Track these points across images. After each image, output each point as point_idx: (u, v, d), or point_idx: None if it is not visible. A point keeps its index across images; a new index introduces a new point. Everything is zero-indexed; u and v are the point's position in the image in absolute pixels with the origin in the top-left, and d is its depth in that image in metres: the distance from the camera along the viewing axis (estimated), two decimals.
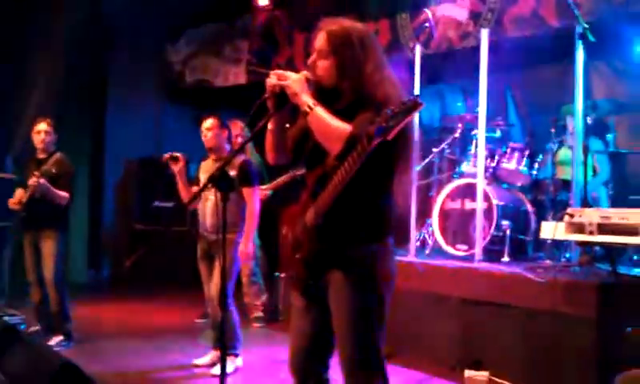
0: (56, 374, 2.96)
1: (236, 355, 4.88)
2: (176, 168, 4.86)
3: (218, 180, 2.52)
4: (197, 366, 4.94)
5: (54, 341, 5.37)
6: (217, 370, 4.53)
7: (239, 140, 5.87)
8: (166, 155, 4.89)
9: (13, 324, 4.09)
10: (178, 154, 4.89)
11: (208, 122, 4.92)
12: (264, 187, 6.23)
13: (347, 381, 2.50)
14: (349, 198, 2.39)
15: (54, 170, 5.33)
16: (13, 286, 7.05)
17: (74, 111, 8.59)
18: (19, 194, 5.44)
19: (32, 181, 5.20)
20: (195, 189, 4.91)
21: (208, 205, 4.79)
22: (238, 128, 5.96)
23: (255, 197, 4.89)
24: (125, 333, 6.12)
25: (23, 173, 5.58)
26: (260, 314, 6.53)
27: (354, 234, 2.47)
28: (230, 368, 4.64)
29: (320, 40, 2.52)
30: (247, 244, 4.78)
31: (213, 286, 4.78)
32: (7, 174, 7.25)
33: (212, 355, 4.97)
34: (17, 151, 6.93)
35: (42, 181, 5.19)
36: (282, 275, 6.52)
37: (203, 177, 4.92)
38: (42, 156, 5.51)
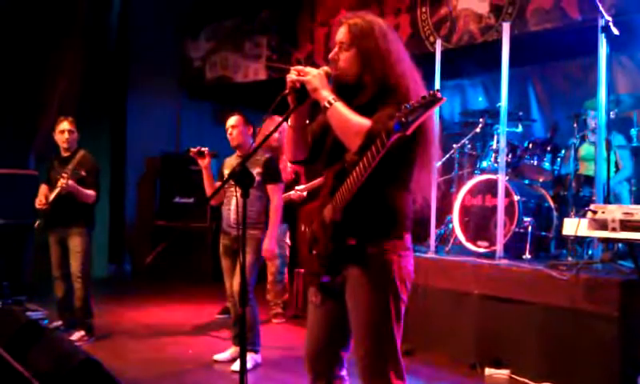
0: (77, 369, 2.98)
1: (256, 351, 4.89)
2: (202, 163, 4.89)
3: (239, 175, 2.51)
4: (217, 362, 4.96)
5: (76, 336, 5.43)
6: (237, 365, 4.56)
7: (276, 135, 5.85)
8: (193, 149, 4.91)
9: (35, 319, 4.13)
10: (205, 149, 4.91)
11: (233, 120, 4.93)
12: (300, 188, 6.22)
13: (363, 378, 2.49)
14: (367, 193, 2.38)
15: (82, 172, 5.38)
16: (35, 283, 7.15)
17: (95, 109, 8.66)
18: (44, 191, 5.50)
19: (61, 183, 5.25)
20: (218, 183, 4.93)
21: (232, 201, 4.81)
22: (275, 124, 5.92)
23: (280, 194, 4.92)
24: (145, 328, 6.16)
25: (48, 171, 5.65)
26: (280, 310, 6.57)
27: (372, 230, 2.46)
28: (249, 364, 4.65)
29: (341, 33, 2.52)
30: (270, 241, 4.81)
31: (235, 282, 4.80)
32: (31, 171, 7.34)
33: (232, 351, 4.99)
34: (39, 149, 7.00)
35: (70, 182, 5.25)
36: (300, 271, 6.55)
37: (227, 172, 4.93)
38: (65, 154, 5.58)
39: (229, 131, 4.93)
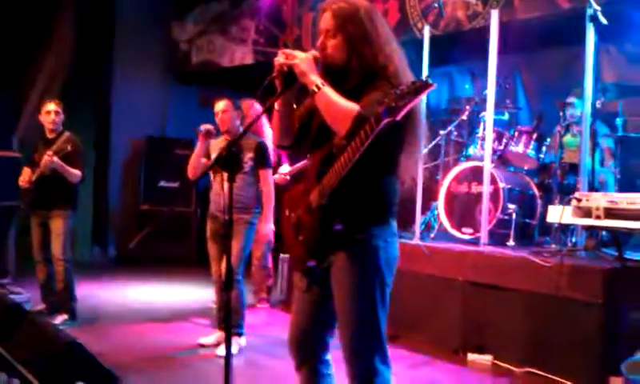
0: (62, 352, 2.96)
1: (240, 335, 4.90)
2: (204, 143, 4.86)
3: (225, 160, 2.50)
4: (202, 346, 4.96)
5: (59, 319, 5.40)
6: (222, 349, 4.56)
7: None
8: (205, 127, 4.84)
9: (18, 303, 4.10)
10: (212, 127, 4.86)
11: (222, 104, 4.89)
12: (284, 171, 6.20)
13: (348, 362, 2.49)
14: (354, 178, 2.37)
15: (68, 148, 5.34)
16: (18, 265, 7.10)
17: (79, 91, 8.56)
18: (27, 172, 5.45)
19: (45, 159, 5.22)
20: (203, 161, 4.92)
21: (225, 186, 4.78)
22: (250, 107, 5.92)
23: (271, 178, 4.92)
24: (129, 312, 6.14)
25: (31, 153, 5.60)
26: (264, 295, 6.58)
27: (359, 215, 2.45)
28: (234, 348, 4.66)
29: (326, 20, 2.49)
30: (266, 225, 4.82)
31: (224, 266, 4.78)
32: (14, 152, 7.26)
33: (217, 335, 4.99)
34: (22, 131, 6.93)
35: (55, 159, 5.22)
36: (285, 257, 6.54)
37: (214, 155, 4.91)
38: (51, 136, 5.53)
39: (219, 116, 4.89)
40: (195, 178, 4.98)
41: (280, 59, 2.44)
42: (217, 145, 4.98)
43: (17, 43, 7.69)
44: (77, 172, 5.40)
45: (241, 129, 4.92)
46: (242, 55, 8.89)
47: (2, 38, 7.51)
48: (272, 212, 4.89)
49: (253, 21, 8.73)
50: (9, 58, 7.60)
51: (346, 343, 2.49)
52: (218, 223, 4.88)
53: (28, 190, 5.43)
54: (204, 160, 4.94)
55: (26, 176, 5.44)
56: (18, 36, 7.67)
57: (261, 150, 4.86)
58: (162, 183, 9.22)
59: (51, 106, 5.52)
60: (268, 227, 4.86)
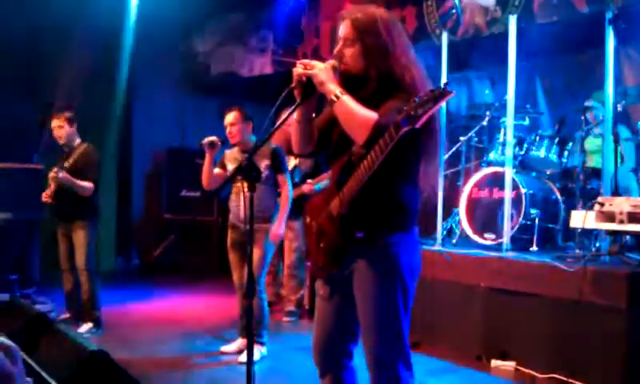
0: (86, 360, 3.00)
1: (262, 344, 4.91)
2: (211, 154, 4.82)
3: (245, 170, 2.52)
4: (224, 353, 4.98)
5: (84, 328, 5.46)
6: (244, 357, 4.59)
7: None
8: (209, 139, 4.77)
9: (43, 312, 4.16)
10: (215, 138, 4.80)
11: (231, 117, 4.84)
12: (311, 181, 6.21)
13: (372, 370, 2.50)
14: (374, 186, 2.38)
15: (78, 163, 5.45)
16: (42, 275, 7.19)
17: (101, 103, 8.68)
18: (49, 186, 5.55)
19: (51, 175, 5.36)
20: (217, 171, 4.92)
21: (241, 196, 4.79)
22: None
23: (289, 183, 4.92)
24: (152, 321, 6.20)
25: (52, 165, 5.69)
26: (293, 308, 6.43)
27: (380, 222, 2.46)
28: (256, 356, 4.68)
29: (344, 29, 2.51)
30: (278, 226, 4.82)
31: (246, 275, 4.77)
32: (35, 165, 7.36)
33: (239, 343, 5.01)
34: (44, 144, 7.04)
35: (60, 175, 5.32)
36: (308, 264, 6.52)
37: (230, 166, 4.93)
38: (65, 148, 5.64)
39: (228, 129, 4.85)
40: (211, 189, 4.98)
41: (299, 69, 2.45)
42: (231, 155, 4.99)
43: (39, 55, 7.81)
44: (86, 184, 5.45)
45: (253, 138, 4.89)
46: (262, 65, 8.95)
47: (25, 50, 7.63)
48: (286, 215, 4.90)
49: (271, 31, 8.78)
50: (31, 70, 7.72)
51: (369, 350, 2.49)
52: (239, 232, 4.89)
53: (50, 203, 5.54)
54: (218, 170, 4.93)
55: (47, 190, 5.55)
56: (39, 48, 7.79)
57: (276, 155, 4.85)
58: (184, 192, 9.29)
59: (54, 122, 5.61)
60: (280, 229, 4.84)
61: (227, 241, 5.00)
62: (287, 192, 4.90)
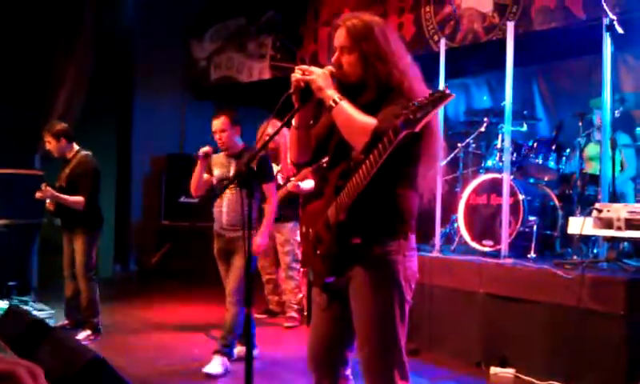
0: (85, 367, 2.99)
1: (230, 355, 4.73)
2: (205, 162, 4.81)
3: (246, 176, 2.52)
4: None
5: (83, 335, 5.46)
6: (208, 368, 4.56)
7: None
8: (204, 151, 4.76)
9: (41, 318, 4.15)
10: (209, 150, 4.79)
11: (218, 123, 4.76)
12: (294, 179, 6.19)
13: (367, 378, 2.49)
14: (372, 193, 2.37)
15: (73, 173, 5.53)
16: (41, 282, 7.19)
17: (101, 109, 8.68)
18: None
19: (39, 194, 5.43)
20: (207, 177, 4.89)
21: (224, 202, 4.76)
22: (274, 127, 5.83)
23: (275, 192, 4.88)
24: (151, 327, 6.19)
25: (53, 171, 5.73)
26: (294, 314, 6.38)
27: (377, 229, 2.45)
28: (218, 368, 4.58)
29: (340, 36, 2.51)
30: (262, 238, 4.73)
31: (231, 284, 4.74)
32: (36, 170, 7.37)
33: (237, 350, 4.93)
34: (44, 150, 7.05)
35: (49, 191, 5.39)
36: (304, 271, 6.50)
37: (217, 171, 4.86)
38: (63, 159, 5.69)
39: (217, 136, 4.78)
40: (198, 195, 4.97)
41: (297, 75, 2.46)
42: (217, 160, 4.91)
43: (39, 62, 7.82)
44: (78, 199, 5.47)
45: (240, 142, 4.86)
46: (260, 71, 8.96)
47: (25, 57, 7.64)
48: (270, 226, 4.84)
49: (270, 36, 8.80)
50: (31, 77, 7.73)
51: (364, 359, 2.49)
52: (223, 241, 4.82)
53: (51, 211, 5.61)
54: (206, 176, 4.89)
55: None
56: (40, 55, 7.80)
57: (263, 164, 4.71)
58: (183, 199, 9.28)
59: (45, 138, 5.65)
60: (264, 239, 4.75)
61: (214, 250, 4.90)
62: (273, 201, 4.79)
